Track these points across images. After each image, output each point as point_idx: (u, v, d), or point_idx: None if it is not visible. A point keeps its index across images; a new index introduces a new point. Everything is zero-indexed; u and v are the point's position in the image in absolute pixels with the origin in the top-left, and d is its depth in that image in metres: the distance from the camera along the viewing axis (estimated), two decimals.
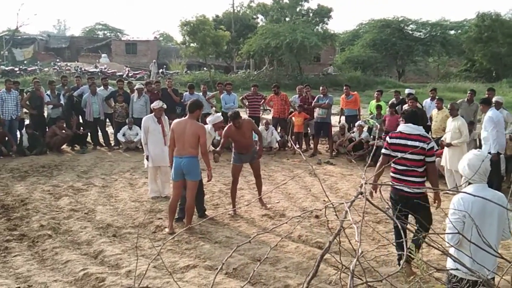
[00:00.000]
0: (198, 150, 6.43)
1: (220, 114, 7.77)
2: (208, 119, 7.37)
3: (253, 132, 7.74)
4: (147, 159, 8.17)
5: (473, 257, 2.61)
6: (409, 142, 5.18)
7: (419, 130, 5.25)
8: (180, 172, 6.46)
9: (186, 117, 6.60)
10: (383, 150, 5.43)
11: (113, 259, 5.65)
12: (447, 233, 3.42)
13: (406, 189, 5.05)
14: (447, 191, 7.69)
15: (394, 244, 5.26)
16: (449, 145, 8.53)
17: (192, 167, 6.43)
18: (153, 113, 8.19)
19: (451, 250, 3.43)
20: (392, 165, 5.24)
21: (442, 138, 8.83)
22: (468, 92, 11.53)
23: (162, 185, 8.38)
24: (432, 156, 5.23)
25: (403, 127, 5.34)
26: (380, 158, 5.46)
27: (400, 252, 4.95)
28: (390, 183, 5.23)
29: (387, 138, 5.42)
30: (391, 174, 5.37)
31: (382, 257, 5.51)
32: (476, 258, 2.63)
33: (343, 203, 2.12)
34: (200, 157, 6.57)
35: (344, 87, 13.36)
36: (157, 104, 8.22)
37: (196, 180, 6.55)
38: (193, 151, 6.39)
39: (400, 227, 2.29)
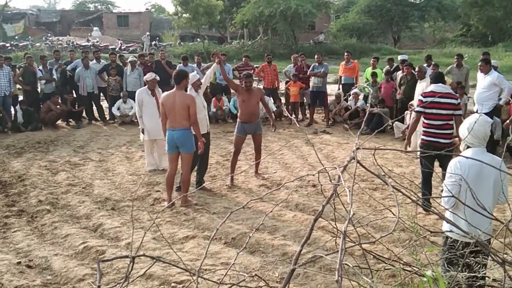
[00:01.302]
0: (189, 121, 6.36)
1: (195, 73, 7.63)
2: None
3: (261, 103, 7.73)
4: (143, 132, 8.14)
5: (468, 219, 2.64)
6: (442, 100, 5.87)
7: (447, 89, 6.20)
8: (174, 145, 6.43)
9: (174, 89, 6.51)
10: (417, 108, 6.11)
11: (112, 232, 5.70)
12: (443, 197, 3.44)
13: (442, 140, 5.87)
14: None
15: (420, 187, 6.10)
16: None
17: (185, 139, 6.39)
18: (147, 86, 8.12)
19: (447, 213, 3.46)
20: (426, 121, 5.99)
21: (411, 103, 9.15)
22: (455, 57, 11.55)
23: (159, 157, 8.38)
24: (459, 110, 6.08)
25: (435, 87, 6.04)
26: (414, 115, 6.24)
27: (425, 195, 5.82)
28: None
29: (421, 97, 6.09)
30: (425, 129, 6.03)
31: (378, 223, 5.56)
32: (471, 221, 2.65)
33: (336, 168, 2.13)
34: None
35: (345, 53, 13.26)
36: (149, 76, 8.13)
37: (191, 152, 6.52)
38: (185, 122, 6.33)
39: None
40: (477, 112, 8.51)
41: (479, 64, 8.88)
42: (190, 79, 6.90)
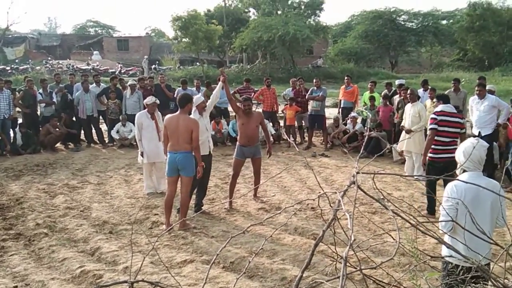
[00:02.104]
0: (191, 145, 6.40)
1: (201, 95, 7.68)
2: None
3: (260, 127, 7.75)
4: (142, 155, 8.15)
5: (467, 244, 2.63)
6: (451, 119, 6.58)
7: (454, 109, 6.80)
8: (175, 167, 6.44)
9: (178, 112, 6.56)
10: (432, 126, 6.56)
11: (110, 255, 5.65)
12: (440, 221, 3.44)
13: (449, 155, 6.33)
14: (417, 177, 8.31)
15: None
16: (409, 131, 8.82)
17: (186, 162, 6.41)
18: (146, 109, 8.16)
19: (446, 238, 3.45)
20: (437, 138, 6.54)
21: (402, 124, 9.29)
22: (452, 82, 11.63)
23: (158, 181, 8.38)
24: (464, 129, 7.01)
25: (444, 107, 6.65)
26: (430, 133, 6.62)
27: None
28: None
29: (434, 116, 6.60)
30: (435, 146, 6.59)
31: (378, 247, 5.54)
32: (470, 245, 2.65)
33: (336, 193, 2.13)
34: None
35: (346, 78, 13.37)
36: (150, 99, 8.18)
37: (191, 175, 6.53)
38: (188, 146, 6.36)
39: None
40: (478, 135, 8.53)
41: (477, 88, 8.96)
42: (195, 101, 6.97)
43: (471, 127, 10.05)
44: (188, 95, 6.94)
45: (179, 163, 6.38)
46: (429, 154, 6.68)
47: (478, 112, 8.89)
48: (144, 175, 8.39)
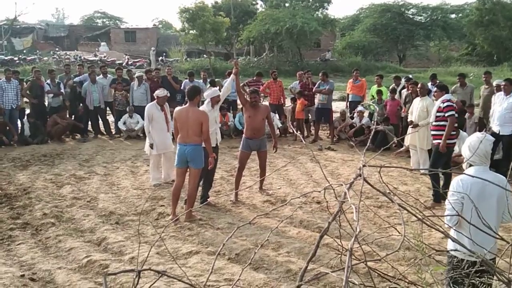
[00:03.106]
0: (201, 137, 6.43)
1: (217, 89, 7.70)
2: (205, 94, 7.26)
3: (266, 120, 7.72)
4: (151, 146, 8.16)
5: (472, 238, 2.63)
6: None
7: None
8: (184, 159, 6.47)
9: (187, 104, 6.58)
10: (452, 112, 7.05)
11: (116, 246, 5.69)
12: (446, 215, 3.43)
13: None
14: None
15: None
16: (416, 125, 8.67)
17: (196, 154, 6.44)
18: (156, 101, 8.17)
19: (451, 232, 3.45)
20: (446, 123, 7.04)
21: (410, 119, 9.04)
22: (457, 77, 11.55)
23: (167, 171, 8.41)
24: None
25: (450, 96, 7.45)
26: (451, 120, 7.04)
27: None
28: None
29: (450, 103, 7.13)
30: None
31: (383, 241, 5.54)
32: (475, 240, 2.64)
33: (342, 185, 2.13)
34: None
35: (354, 71, 13.31)
36: (161, 92, 8.19)
37: (199, 168, 6.56)
38: (197, 138, 6.40)
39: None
40: (498, 133, 8.38)
41: (503, 83, 8.61)
42: (211, 94, 7.02)
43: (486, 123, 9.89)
44: (197, 87, 6.97)
45: (189, 155, 6.41)
46: (449, 141, 7.11)
47: (500, 108, 8.49)
48: (151, 167, 8.41)
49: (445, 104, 7.05)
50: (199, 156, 6.48)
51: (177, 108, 6.72)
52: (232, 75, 7.74)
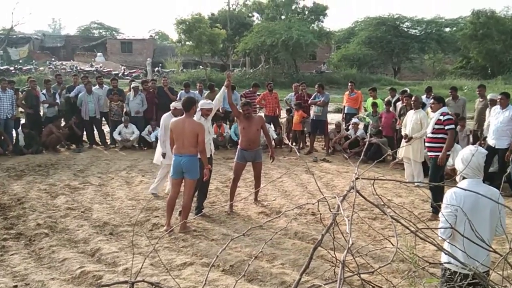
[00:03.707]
0: (197, 148, 6.43)
1: (210, 101, 7.68)
2: (199, 103, 7.22)
3: (262, 131, 7.74)
4: (164, 156, 8.13)
5: (466, 251, 2.64)
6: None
7: None
8: (180, 170, 6.47)
9: (183, 115, 6.59)
10: (452, 126, 7.10)
11: (110, 257, 5.66)
12: (439, 228, 3.45)
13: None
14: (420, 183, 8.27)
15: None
16: (410, 138, 8.70)
17: (191, 165, 6.45)
18: (171, 111, 8.05)
19: (445, 245, 3.46)
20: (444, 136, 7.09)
21: (404, 132, 9.07)
22: (449, 90, 11.68)
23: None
24: None
25: (447, 109, 7.46)
26: (451, 133, 7.09)
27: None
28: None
29: (450, 116, 7.22)
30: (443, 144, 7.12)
31: (377, 253, 5.54)
32: (469, 252, 2.66)
33: (335, 197, 2.15)
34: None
35: (349, 84, 13.37)
36: (178, 104, 8.14)
37: (195, 179, 6.56)
38: (193, 149, 6.40)
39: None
40: (494, 147, 8.44)
41: (499, 97, 8.66)
42: (202, 105, 7.01)
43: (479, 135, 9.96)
44: (192, 98, 6.98)
45: (184, 166, 6.42)
46: (438, 153, 7.12)
47: (496, 122, 8.52)
48: (160, 176, 8.31)
49: (446, 117, 7.10)
50: (194, 167, 6.49)
51: (173, 119, 6.73)
52: (223, 88, 7.77)
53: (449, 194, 3.50)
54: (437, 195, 6.89)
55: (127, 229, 6.68)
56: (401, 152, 9.23)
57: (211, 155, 7.27)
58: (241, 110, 7.63)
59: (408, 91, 12.09)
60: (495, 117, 8.62)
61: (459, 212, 3.33)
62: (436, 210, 7.11)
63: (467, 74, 37.81)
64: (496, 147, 8.44)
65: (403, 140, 9.00)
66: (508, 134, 8.38)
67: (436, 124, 7.16)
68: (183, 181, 6.59)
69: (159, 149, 8.32)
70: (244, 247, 5.98)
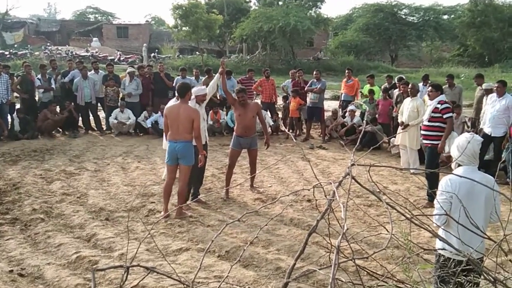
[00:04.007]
0: (192, 134, 6.41)
1: (205, 87, 7.60)
2: (193, 90, 7.03)
3: (257, 118, 7.69)
4: None
5: (460, 237, 2.65)
6: None
7: None
8: (175, 156, 6.46)
9: (178, 101, 6.55)
10: (450, 114, 7.07)
11: (106, 242, 5.68)
12: (434, 214, 3.46)
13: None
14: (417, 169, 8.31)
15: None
16: (406, 126, 8.67)
17: (186, 151, 6.43)
18: (194, 99, 7.93)
19: (440, 231, 3.48)
20: (444, 125, 7.06)
21: (400, 119, 9.03)
22: (446, 78, 11.69)
23: None
24: None
25: (444, 96, 7.44)
26: (450, 121, 7.05)
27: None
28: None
29: (448, 105, 7.18)
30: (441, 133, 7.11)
31: (372, 240, 5.57)
32: (463, 239, 2.67)
33: (331, 184, 2.15)
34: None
35: (346, 71, 13.35)
36: (202, 91, 8.05)
37: (190, 165, 6.55)
38: (188, 135, 6.38)
39: None
40: (490, 135, 8.46)
41: (496, 85, 8.69)
42: (197, 92, 6.95)
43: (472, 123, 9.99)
44: (187, 83, 6.94)
45: (179, 152, 6.40)
46: (434, 141, 7.10)
47: (492, 110, 8.56)
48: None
49: (444, 106, 7.07)
50: (189, 153, 6.47)
51: (168, 105, 6.67)
52: (217, 74, 7.73)
53: (444, 181, 3.52)
54: (433, 183, 6.93)
55: (123, 214, 6.68)
56: (398, 139, 9.25)
57: (206, 142, 7.24)
58: (236, 97, 7.60)
59: (404, 78, 12.07)
60: (491, 105, 8.63)
61: (454, 199, 3.34)
62: (432, 197, 7.14)
63: (464, 62, 37.77)
64: (492, 135, 8.47)
65: (400, 127, 9.00)
66: (504, 122, 8.38)
67: (433, 112, 7.15)
68: (178, 167, 6.58)
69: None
70: (240, 233, 6.00)
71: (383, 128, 11.15)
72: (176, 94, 6.62)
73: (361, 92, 12.86)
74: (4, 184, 7.93)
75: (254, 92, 13.67)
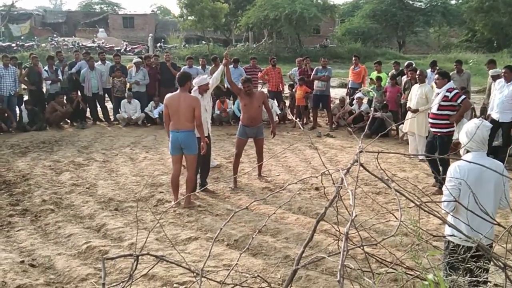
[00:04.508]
0: (193, 123, 6.40)
1: (207, 77, 7.59)
2: (194, 81, 7.06)
3: (263, 107, 7.67)
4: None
5: (469, 224, 2.64)
6: None
7: None
8: (178, 146, 6.45)
9: (178, 90, 6.52)
10: (464, 96, 7.12)
11: (115, 232, 5.72)
12: (443, 201, 3.45)
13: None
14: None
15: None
16: (416, 111, 8.63)
17: (189, 141, 6.43)
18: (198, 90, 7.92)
19: (449, 218, 3.47)
20: (452, 113, 7.13)
21: (408, 105, 9.09)
22: (454, 64, 11.60)
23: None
24: None
25: (453, 83, 7.51)
26: (465, 103, 7.11)
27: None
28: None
29: (457, 90, 7.28)
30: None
31: (381, 227, 5.57)
32: (472, 225, 2.66)
33: (339, 171, 2.14)
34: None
35: (354, 58, 13.27)
36: (204, 80, 8.04)
37: (194, 153, 6.55)
38: (190, 124, 6.37)
39: None
40: (498, 120, 8.39)
41: (503, 71, 8.57)
42: (199, 82, 6.94)
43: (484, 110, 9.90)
44: (187, 73, 6.89)
45: (182, 142, 6.40)
46: (449, 129, 7.17)
47: (500, 95, 8.45)
48: None
49: (453, 93, 7.07)
50: (192, 142, 6.46)
51: (168, 95, 6.62)
52: (221, 66, 7.70)
53: (453, 168, 3.50)
54: (445, 169, 6.90)
55: (132, 204, 6.72)
56: (406, 127, 9.20)
57: (208, 134, 7.22)
58: (241, 87, 7.57)
59: (414, 64, 11.96)
60: (499, 91, 8.55)
61: (462, 185, 3.32)
62: (441, 184, 7.12)
63: (473, 48, 37.32)
64: (500, 120, 8.39)
65: (408, 114, 8.95)
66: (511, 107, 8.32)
67: (442, 101, 7.08)
68: (185, 157, 6.58)
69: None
70: (248, 222, 6.02)
71: (392, 115, 11.08)
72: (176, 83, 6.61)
73: (370, 78, 12.76)
74: (13, 175, 7.99)
75: (260, 81, 13.63)
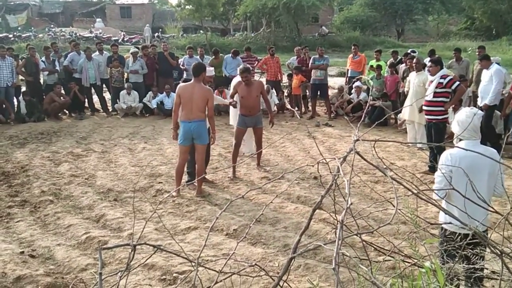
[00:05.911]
0: (205, 113, 6.44)
1: (212, 69, 7.61)
2: None
3: (261, 97, 7.67)
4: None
5: (463, 210, 2.65)
6: None
7: None
8: (190, 136, 6.48)
9: (192, 81, 6.55)
10: (458, 82, 7.27)
11: (114, 222, 5.74)
12: (437, 189, 3.46)
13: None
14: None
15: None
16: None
17: (201, 131, 6.49)
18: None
19: (443, 204, 3.48)
20: (446, 100, 7.20)
21: (406, 89, 9.24)
22: (453, 52, 11.60)
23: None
24: None
25: (446, 70, 7.61)
26: (460, 89, 7.19)
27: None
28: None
29: (451, 77, 7.31)
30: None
31: (379, 216, 5.58)
32: (466, 212, 2.66)
33: (335, 159, 2.14)
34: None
35: (353, 47, 13.22)
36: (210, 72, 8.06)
37: (205, 143, 6.63)
38: (202, 114, 6.41)
39: None
40: (478, 105, 8.53)
41: (478, 61, 8.87)
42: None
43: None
44: (202, 64, 7.01)
45: (194, 132, 6.43)
46: (444, 116, 7.23)
47: (482, 81, 8.71)
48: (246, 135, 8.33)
49: (447, 79, 7.13)
50: (204, 132, 6.54)
51: (181, 84, 6.72)
52: (225, 101, 8.28)
53: (445, 155, 3.53)
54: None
55: (131, 195, 6.73)
56: (405, 114, 9.20)
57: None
58: (240, 78, 7.52)
59: (417, 52, 11.92)
60: (483, 78, 8.81)
61: (454, 172, 3.34)
62: (433, 169, 7.16)
63: (472, 35, 37.17)
64: (479, 104, 8.56)
65: (407, 102, 8.96)
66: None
67: (437, 87, 7.11)
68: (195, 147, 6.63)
69: (233, 111, 8.35)
70: (247, 211, 6.04)
71: (391, 104, 11.07)
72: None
73: (371, 65, 12.68)
74: (12, 167, 7.99)
75: (257, 70, 13.57)
